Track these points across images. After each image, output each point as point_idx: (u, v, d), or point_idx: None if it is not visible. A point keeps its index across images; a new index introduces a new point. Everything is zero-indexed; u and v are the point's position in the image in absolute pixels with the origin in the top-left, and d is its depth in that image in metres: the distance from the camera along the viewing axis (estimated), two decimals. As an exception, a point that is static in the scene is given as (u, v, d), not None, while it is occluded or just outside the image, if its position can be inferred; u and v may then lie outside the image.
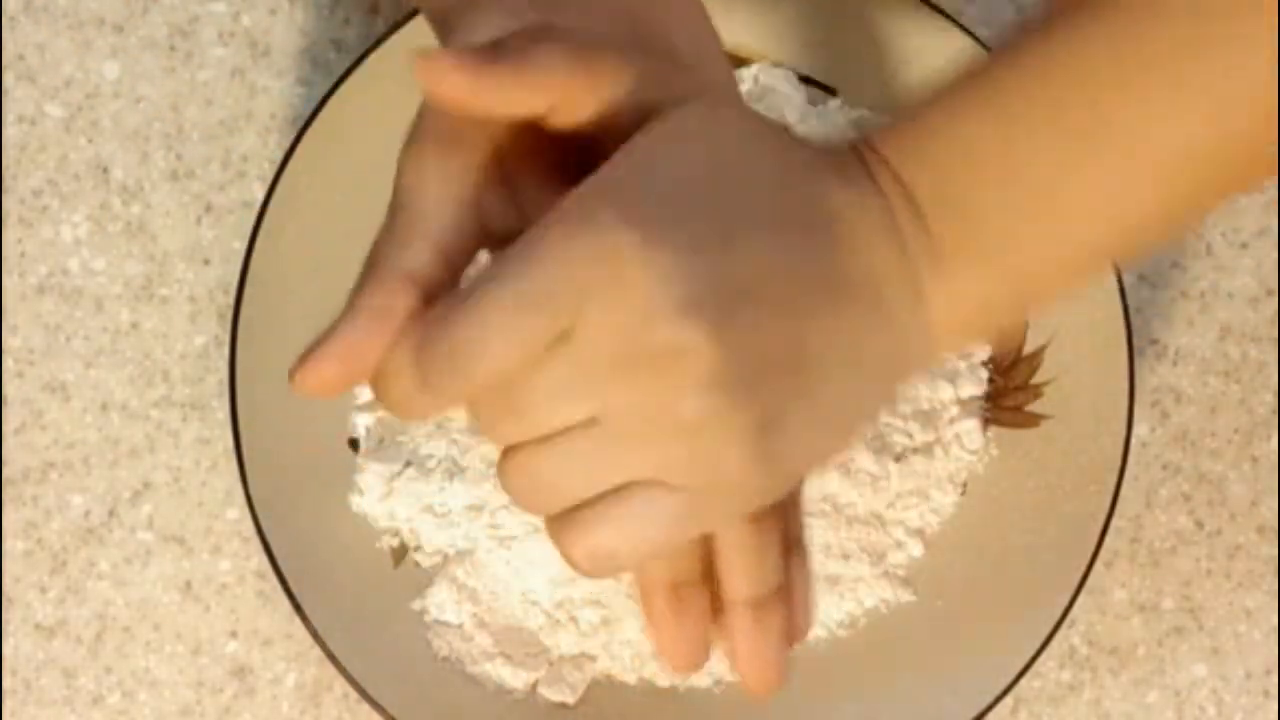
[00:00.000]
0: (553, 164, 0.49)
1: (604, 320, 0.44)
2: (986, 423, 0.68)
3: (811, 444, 0.47)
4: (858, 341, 0.47)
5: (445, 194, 0.48)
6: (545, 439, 0.46)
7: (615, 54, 0.48)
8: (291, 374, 0.48)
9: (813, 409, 0.46)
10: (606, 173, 0.46)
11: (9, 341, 0.69)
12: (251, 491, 0.63)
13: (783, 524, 0.50)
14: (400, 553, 0.67)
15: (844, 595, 0.67)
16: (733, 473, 0.45)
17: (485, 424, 0.46)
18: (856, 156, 0.48)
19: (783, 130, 0.49)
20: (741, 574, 0.49)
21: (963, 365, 0.68)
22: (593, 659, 0.66)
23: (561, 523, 0.47)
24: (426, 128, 0.48)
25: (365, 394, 0.67)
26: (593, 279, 0.44)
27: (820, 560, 0.66)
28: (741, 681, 0.50)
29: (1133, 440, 0.65)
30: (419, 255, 0.48)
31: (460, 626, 0.66)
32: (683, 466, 0.45)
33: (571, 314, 0.44)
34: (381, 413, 0.67)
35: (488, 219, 0.49)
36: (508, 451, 0.46)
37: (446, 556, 0.67)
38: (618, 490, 0.46)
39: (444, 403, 0.46)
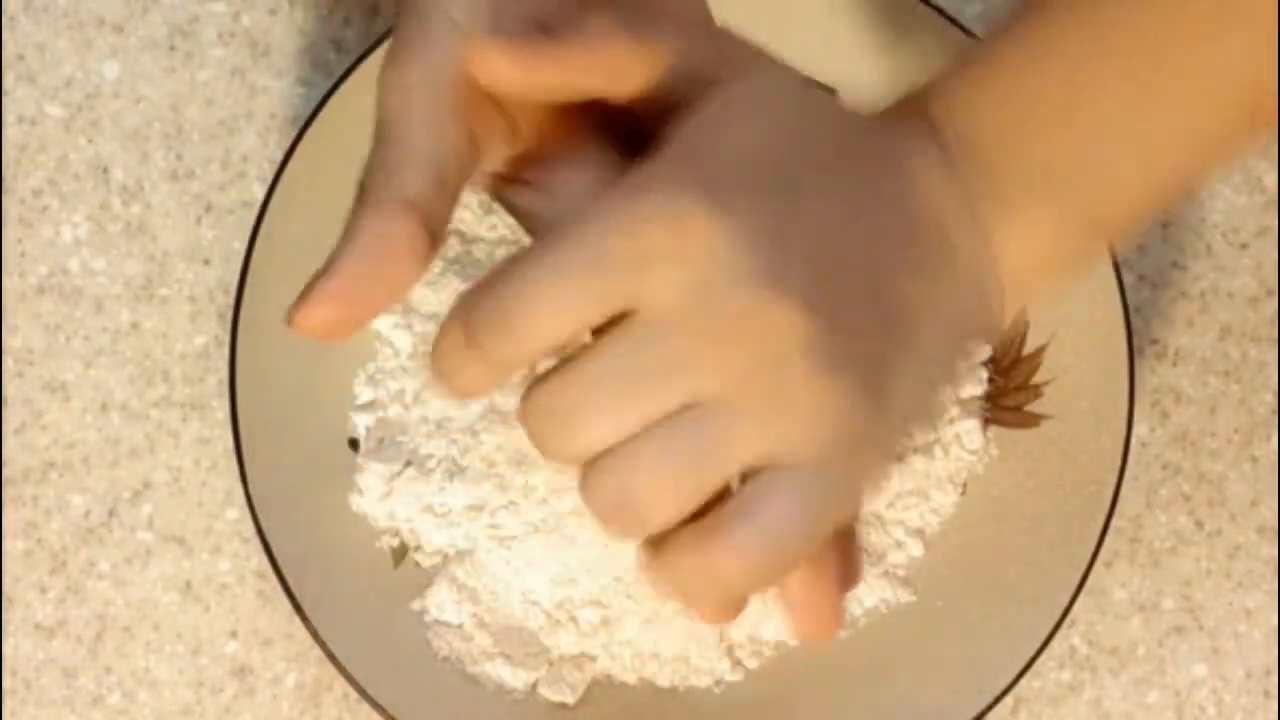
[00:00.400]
0: None
1: (674, 287, 0.41)
2: (986, 423, 0.68)
3: (915, 394, 0.45)
4: (937, 289, 0.45)
5: (432, 114, 0.45)
6: (628, 444, 0.42)
7: (658, 25, 0.45)
8: (289, 315, 0.45)
9: (908, 359, 0.44)
10: (675, 144, 0.43)
11: (9, 341, 0.69)
12: (251, 491, 0.63)
13: None
14: (400, 553, 0.67)
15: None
16: (860, 434, 0.43)
17: (553, 440, 0.42)
18: (913, 115, 0.47)
19: (832, 97, 0.48)
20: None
21: (962, 365, 0.68)
22: (593, 659, 0.66)
23: (702, 544, 0.43)
24: (405, 47, 0.46)
25: (365, 394, 0.67)
26: (660, 243, 0.41)
27: (820, 560, 0.66)
28: (798, 631, 0.47)
29: (1133, 440, 0.65)
30: (414, 181, 0.45)
31: (460, 626, 0.66)
32: (813, 440, 0.42)
33: (636, 278, 0.41)
34: (382, 412, 0.67)
35: (478, 134, 0.46)
36: (590, 470, 0.42)
37: (446, 556, 0.67)
38: (755, 486, 0.42)
39: (495, 371, 0.42)
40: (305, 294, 0.45)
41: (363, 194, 0.45)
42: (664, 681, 0.67)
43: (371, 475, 0.66)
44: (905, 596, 0.67)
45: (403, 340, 0.67)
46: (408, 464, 0.66)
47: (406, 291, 0.45)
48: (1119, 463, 0.64)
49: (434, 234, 0.45)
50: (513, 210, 0.50)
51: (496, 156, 0.48)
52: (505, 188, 0.49)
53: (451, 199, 0.46)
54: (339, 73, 0.65)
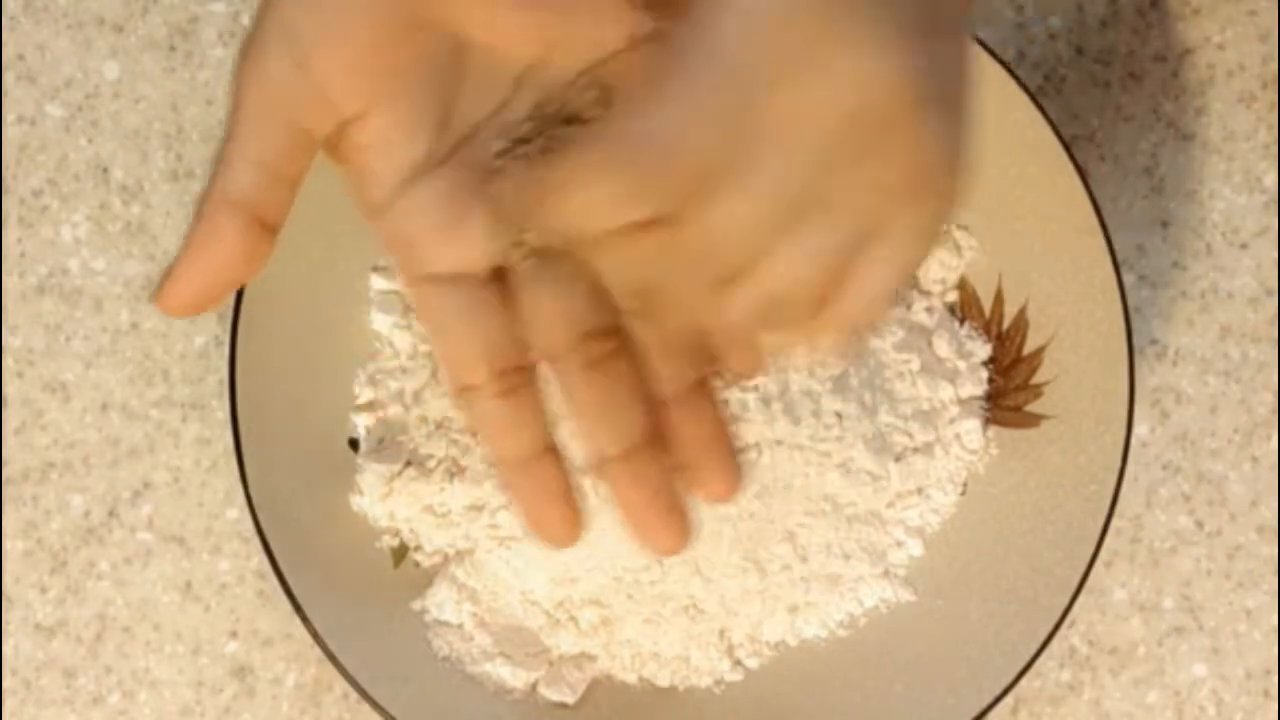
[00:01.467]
0: None
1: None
2: (986, 423, 0.68)
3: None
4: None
5: (262, 110, 0.48)
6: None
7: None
8: (154, 295, 0.49)
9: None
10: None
11: (9, 341, 0.69)
12: (251, 491, 0.63)
13: (642, 373, 0.50)
14: (400, 553, 0.67)
15: (844, 595, 0.67)
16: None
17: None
18: None
19: None
20: (602, 429, 0.50)
21: (963, 365, 0.68)
22: (593, 659, 0.66)
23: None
24: (245, 47, 0.49)
25: (365, 394, 0.67)
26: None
27: (820, 560, 0.66)
28: (641, 543, 0.51)
29: (1133, 440, 0.65)
30: (240, 177, 0.48)
31: (460, 626, 0.66)
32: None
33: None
34: (381, 412, 0.67)
35: (312, 125, 0.49)
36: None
37: (446, 556, 0.67)
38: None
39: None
40: (163, 278, 0.49)
41: (203, 191, 0.49)
42: (664, 681, 0.67)
43: (371, 475, 0.66)
44: (905, 596, 0.67)
45: (403, 340, 0.67)
46: (408, 464, 0.66)
47: (253, 273, 0.49)
48: (1119, 463, 0.64)
49: (266, 222, 0.49)
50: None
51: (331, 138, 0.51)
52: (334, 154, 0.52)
53: (286, 187, 0.49)
54: (339, 73, 0.65)
